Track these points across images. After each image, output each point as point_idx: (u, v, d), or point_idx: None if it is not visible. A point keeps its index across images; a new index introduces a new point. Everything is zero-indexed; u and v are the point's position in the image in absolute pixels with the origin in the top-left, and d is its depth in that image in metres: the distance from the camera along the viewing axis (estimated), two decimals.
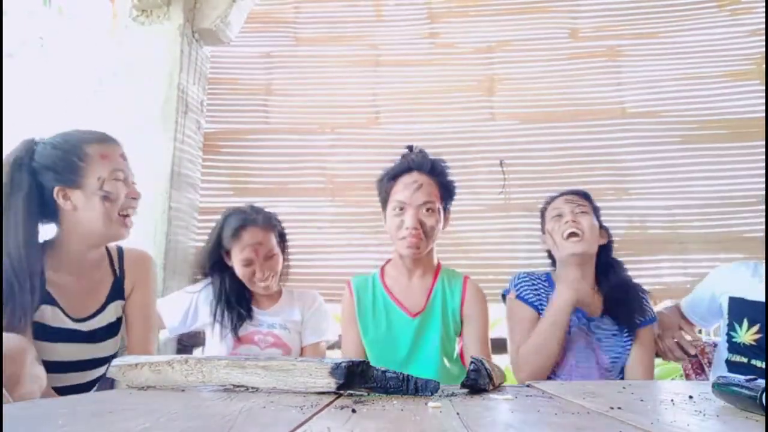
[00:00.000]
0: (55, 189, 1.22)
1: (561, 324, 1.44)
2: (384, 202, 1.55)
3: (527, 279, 1.62)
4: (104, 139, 1.29)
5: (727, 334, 1.60)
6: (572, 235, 1.50)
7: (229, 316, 1.69)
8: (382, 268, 1.64)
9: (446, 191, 1.54)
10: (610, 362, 1.51)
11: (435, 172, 1.51)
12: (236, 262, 1.66)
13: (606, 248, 1.60)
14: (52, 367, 1.18)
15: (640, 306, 1.55)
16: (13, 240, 1.18)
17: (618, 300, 1.53)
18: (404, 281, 1.58)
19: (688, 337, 1.61)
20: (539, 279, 1.63)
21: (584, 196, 1.62)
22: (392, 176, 1.51)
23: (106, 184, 1.25)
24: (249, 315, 1.71)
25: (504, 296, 1.66)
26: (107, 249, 1.39)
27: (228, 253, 1.69)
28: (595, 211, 1.60)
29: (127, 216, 1.31)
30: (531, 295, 1.58)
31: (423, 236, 1.47)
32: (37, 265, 1.20)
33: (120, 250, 1.43)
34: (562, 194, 1.63)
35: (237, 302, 1.70)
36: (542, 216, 1.69)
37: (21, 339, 1.04)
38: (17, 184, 1.20)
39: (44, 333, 1.22)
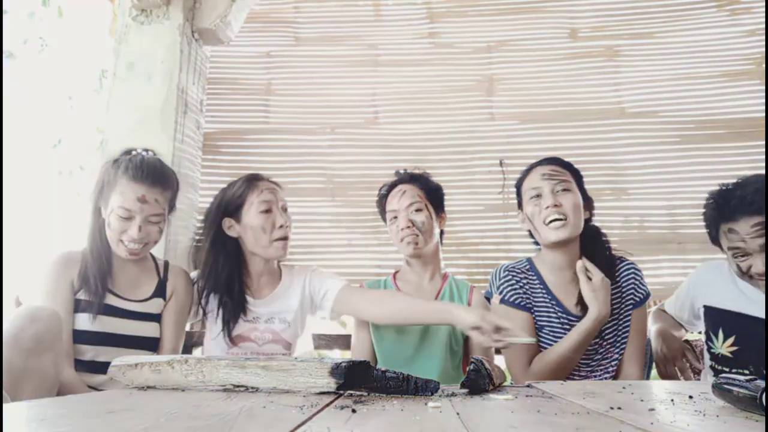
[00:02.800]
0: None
1: (586, 345, 1.40)
2: (385, 219, 1.74)
3: (508, 278, 1.51)
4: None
5: (706, 343, 1.53)
6: (555, 220, 1.41)
7: (218, 305, 1.54)
8: (394, 275, 1.75)
9: (431, 193, 1.69)
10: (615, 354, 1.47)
11: (416, 179, 1.71)
12: (252, 213, 1.53)
13: (590, 221, 1.51)
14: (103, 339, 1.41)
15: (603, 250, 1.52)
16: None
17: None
18: (414, 283, 1.69)
19: (696, 363, 1.58)
20: (521, 271, 1.52)
21: (563, 165, 1.49)
22: (384, 195, 1.73)
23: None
24: (242, 307, 1.54)
25: (488, 298, 1.57)
26: (151, 254, 1.58)
27: (232, 217, 1.56)
28: (577, 178, 1.49)
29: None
30: (516, 296, 1.48)
31: (417, 232, 1.62)
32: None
33: (166, 261, 1.62)
34: (538, 165, 1.51)
35: (227, 285, 1.53)
36: (518, 191, 1.57)
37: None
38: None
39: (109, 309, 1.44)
